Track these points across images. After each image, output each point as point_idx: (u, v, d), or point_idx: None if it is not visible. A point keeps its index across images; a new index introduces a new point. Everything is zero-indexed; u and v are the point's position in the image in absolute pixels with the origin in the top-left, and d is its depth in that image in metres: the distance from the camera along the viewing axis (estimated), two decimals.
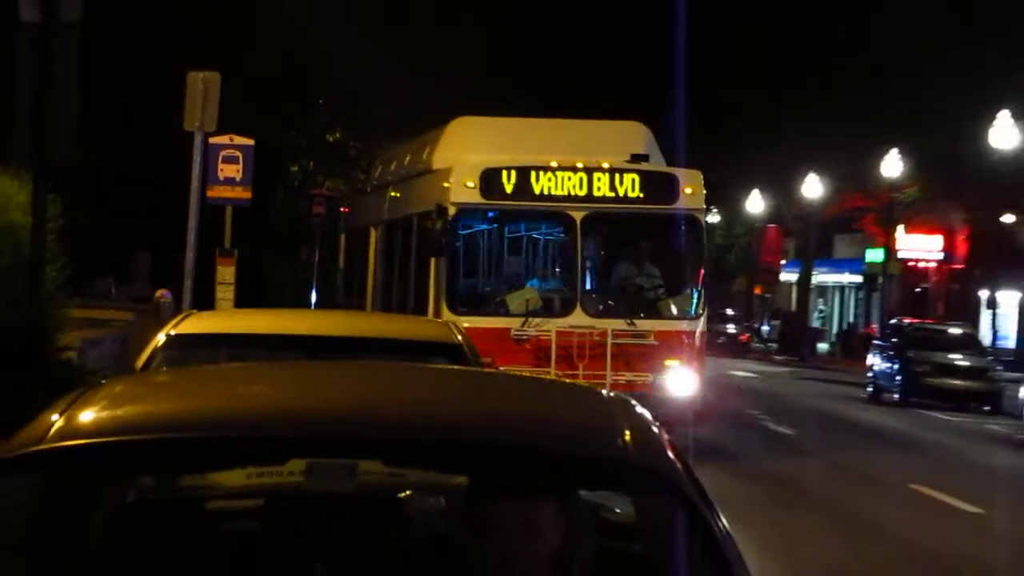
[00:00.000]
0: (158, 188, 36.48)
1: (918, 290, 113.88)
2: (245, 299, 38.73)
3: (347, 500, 6.53)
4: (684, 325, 33.41)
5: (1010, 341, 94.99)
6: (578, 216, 32.72)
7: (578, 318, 32.81)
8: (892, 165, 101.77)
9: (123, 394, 6.69)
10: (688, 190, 32.93)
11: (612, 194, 33.27)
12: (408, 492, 6.71)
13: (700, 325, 34.29)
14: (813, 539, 24.77)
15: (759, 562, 16.57)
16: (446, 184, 34.76)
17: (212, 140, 33.74)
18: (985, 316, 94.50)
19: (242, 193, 35.33)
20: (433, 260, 36.17)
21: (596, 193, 33.09)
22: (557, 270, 38.24)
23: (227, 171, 34.53)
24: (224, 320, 20.26)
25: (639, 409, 6.62)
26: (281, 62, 61.88)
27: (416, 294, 39.02)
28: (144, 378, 11.10)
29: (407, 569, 6.36)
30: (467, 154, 37.44)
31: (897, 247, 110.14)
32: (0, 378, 18.60)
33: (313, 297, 61.76)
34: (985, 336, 63.58)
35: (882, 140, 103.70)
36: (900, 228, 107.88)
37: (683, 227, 33.72)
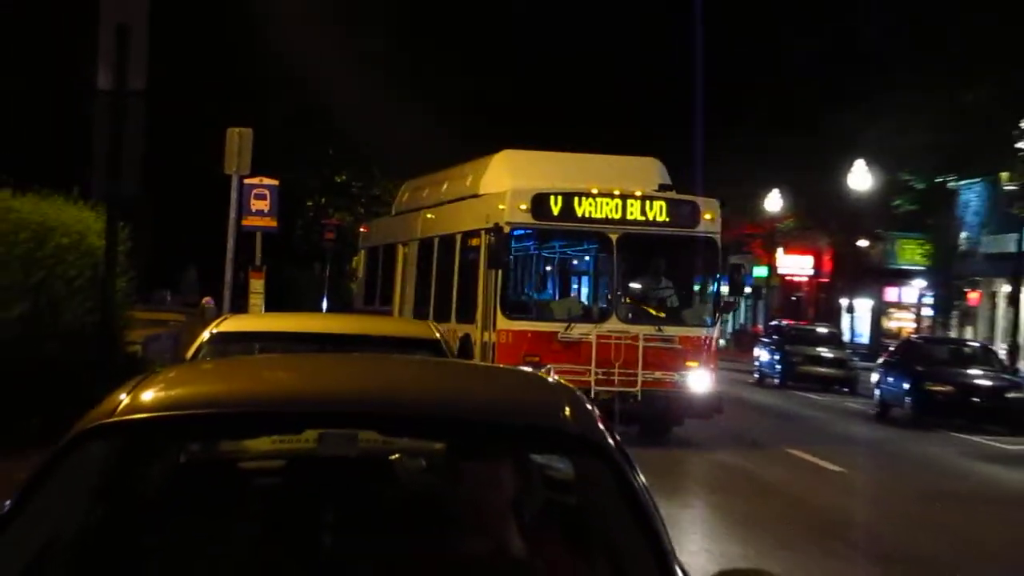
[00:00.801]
0: (204, 218, 36.57)
1: (793, 298, 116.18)
2: (271, 304, 38.81)
3: (350, 462, 6.54)
4: (703, 332, 33.03)
5: (864, 338, 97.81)
6: (614, 236, 32.02)
7: (614, 324, 31.94)
8: (774, 201, 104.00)
9: (175, 379, 6.80)
10: (707, 216, 32.44)
11: (643, 218, 32.64)
12: (397, 455, 6.71)
13: (716, 332, 34.24)
14: (709, 491, 24.57)
15: (665, 510, 16.69)
16: (501, 206, 33.48)
17: (246, 181, 33.99)
18: (845, 318, 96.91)
19: (269, 222, 36.10)
20: (482, 272, 34.99)
21: (629, 216, 32.46)
22: (595, 282, 37.07)
23: (257, 205, 35.35)
24: (255, 321, 20.26)
25: (577, 392, 6.70)
26: (300, 120, 62.45)
27: (462, 302, 37.75)
28: (192, 366, 11.11)
29: (396, 515, 6.42)
30: (513, 181, 36.20)
31: (777, 265, 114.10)
32: (80, 367, 18.53)
33: (324, 303, 63.28)
34: (845, 334, 64.47)
35: (767, 180, 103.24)
36: (780, 250, 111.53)
37: (702, 248, 33.15)
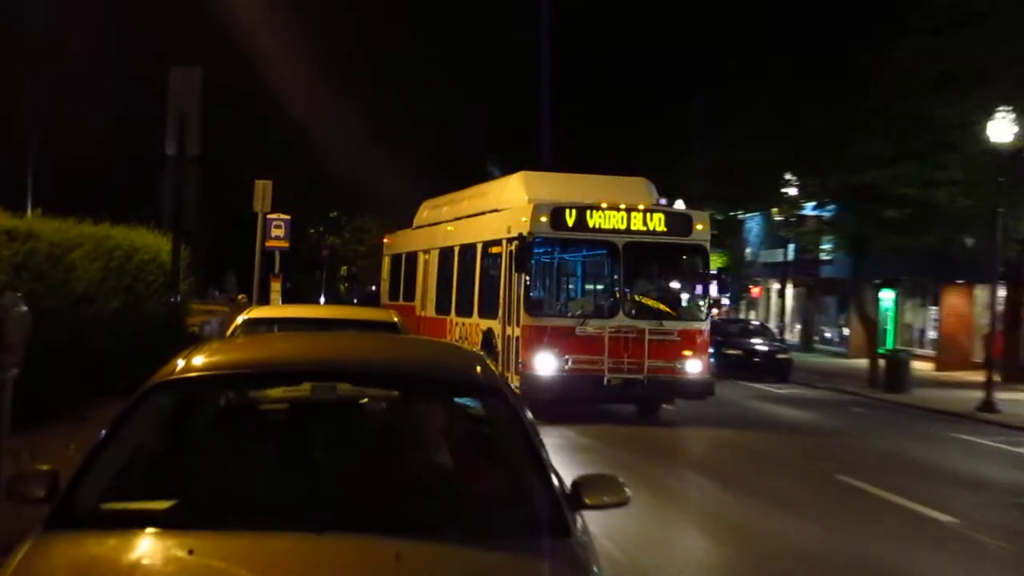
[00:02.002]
0: (239, 241, 36.50)
1: None
2: (285, 299, 38.02)
3: (332, 404, 6.63)
4: (698, 325, 28.49)
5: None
6: (620, 243, 27.42)
7: (621, 320, 27.28)
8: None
9: (215, 350, 7.03)
10: (699, 226, 28.34)
11: (644, 228, 27.97)
12: (366, 399, 6.79)
13: (707, 326, 29.33)
14: (652, 465, 21.32)
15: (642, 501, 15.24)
16: (524, 218, 28.53)
17: (268, 216, 33.81)
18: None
19: (284, 244, 35.83)
20: (504, 275, 29.31)
21: (633, 227, 27.85)
22: (605, 284, 31.26)
23: (276, 232, 35.35)
24: (273, 311, 20.15)
25: (485, 356, 6.93)
26: (306, 172, 60.77)
27: (484, 301, 31.41)
28: (227, 341, 11.17)
29: (364, 439, 6.59)
30: (530, 197, 30.69)
31: None
32: (157, 342, 18.44)
33: (322, 298, 65.62)
34: (776, 329, 62.71)
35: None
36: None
37: (694, 253, 28.98)
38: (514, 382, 24.81)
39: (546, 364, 25.98)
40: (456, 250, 32.44)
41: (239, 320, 15.74)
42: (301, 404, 6.65)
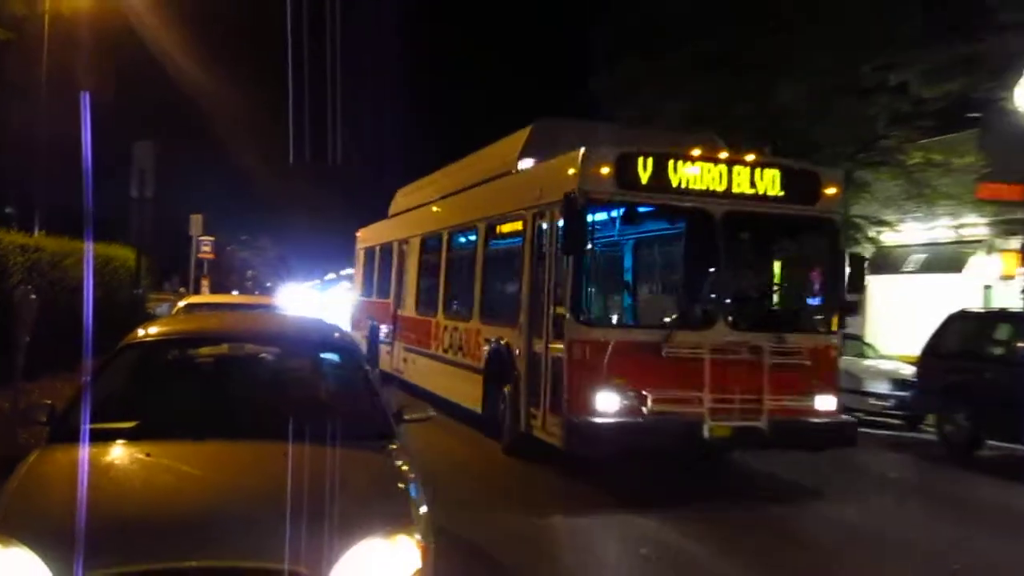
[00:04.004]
0: (182, 253, 34.99)
1: None
2: (212, 291, 36.82)
3: (243, 358, 6.53)
4: (828, 340, 11.25)
5: None
6: (718, 212, 10.80)
7: (723, 332, 10.54)
8: None
9: (167, 323, 7.26)
10: (829, 190, 11.44)
11: (752, 191, 11.16)
12: (263, 354, 6.68)
13: (839, 340, 11.81)
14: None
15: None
16: (572, 171, 10.65)
17: (200, 237, 32.64)
18: None
19: (211, 255, 34.18)
20: (528, 264, 11.93)
21: (736, 189, 11.03)
22: (694, 276, 11.85)
23: (205, 248, 33.36)
24: (203, 298, 19.70)
25: (342, 328, 6.79)
26: (229, 209, 57.67)
27: (491, 300, 13.69)
28: (173, 317, 11.01)
29: (263, 380, 6.39)
30: (555, 153, 12.15)
31: None
32: (123, 319, 17.87)
33: (234, 291, 53.84)
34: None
35: None
36: None
37: (823, 232, 11.46)
38: (549, 427, 10.77)
39: (610, 404, 10.50)
40: (445, 235, 16.04)
41: (181, 304, 15.62)
42: (222, 358, 6.53)
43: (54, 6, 19.36)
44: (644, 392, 9.81)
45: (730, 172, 10.75)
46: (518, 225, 12.15)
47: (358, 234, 23.45)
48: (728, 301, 10.79)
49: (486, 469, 11.35)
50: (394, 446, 5.20)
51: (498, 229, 13.24)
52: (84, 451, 4.70)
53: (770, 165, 10.99)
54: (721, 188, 10.69)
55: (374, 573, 4.00)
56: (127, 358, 5.90)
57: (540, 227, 11.42)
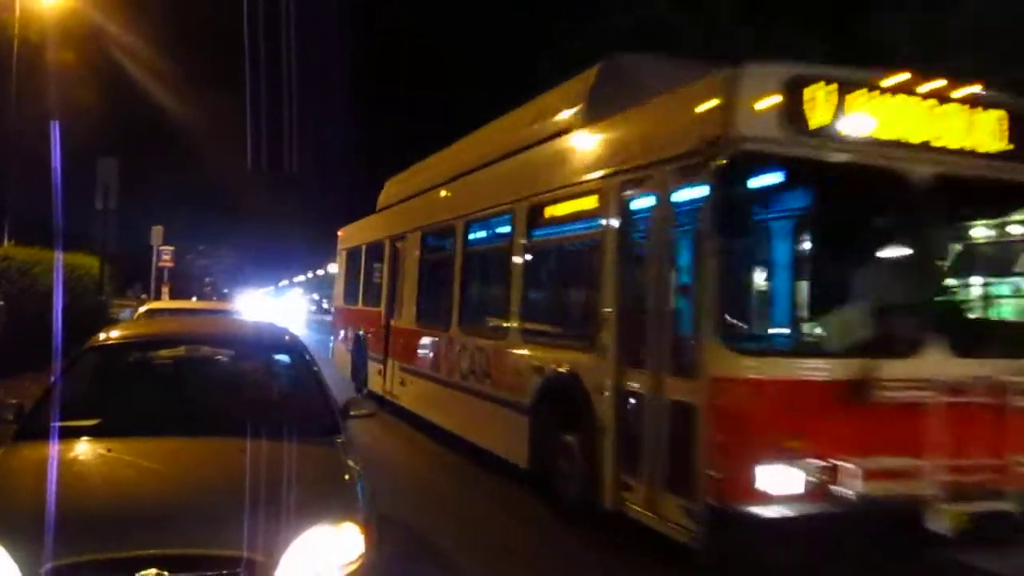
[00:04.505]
0: (144, 262, 34.14)
1: None
2: (172, 297, 35.94)
3: (200, 359, 6.38)
4: None
5: None
6: (922, 177, 4.84)
7: (944, 361, 4.84)
8: None
9: (128, 327, 7.02)
10: None
11: (969, 144, 4.99)
12: (219, 356, 6.54)
13: None
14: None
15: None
16: (713, 106, 5.02)
17: (160, 247, 31.93)
18: None
19: (170, 264, 33.10)
20: (611, 260, 6.61)
21: (951, 142, 4.93)
22: (897, 275, 5.25)
23: (165, 257, 32.40)
24: (163, 304, 19.22)
25: (291, 331, 6.61)
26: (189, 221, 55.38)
27: (545, 313, 8.15)
28: (134, 322, 10.74)
29: (218, 379, 6.24)
30: (637, 101, 6.54)
31: None
32: (89, 324, 17.48)
33: (193, 297, 52.45)
34: None
35: None
36: None
37: None
38: (663, 510, 5.99)
39: (783, 481, 5.05)
40: (461, 226, 10.32)
41: (142, 309, 15.23)
42: (180, 359, 6.37)
43: (23, 32, 18.88)
44: (838, 461, 5.27)
45: (942, 113, 5.76)
46: (588, 203, 7.30)
47: (340, 233, 18.10)
48: (950, 313, 6.15)
49: (544, 555, 6.69)
50: (341, 440, 5.19)
51: (549, 212, 8.23)
52: (53, 448, 4.61)
53: (996, 103, 5.95)
54: (928, 137, 5.74)
55: (322, 557, 4.01)
56: (91, 360, 5.80)
57: (631, 204, 6.65)
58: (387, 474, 8.59)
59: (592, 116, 7.78)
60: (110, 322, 17.79)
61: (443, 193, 11.61)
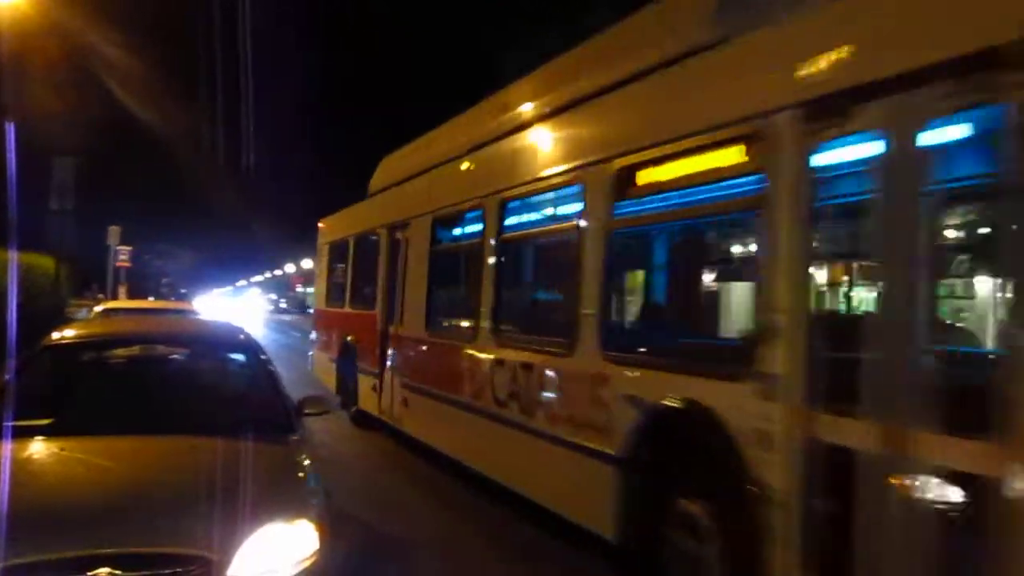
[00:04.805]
0: (100, 262, 33.44)
1: None
2: (129, 297, 35.31)
3: (155, 358, 6.33)
4: None
5: None
6: None
7: None
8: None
9: (83, 326, 6.95)
10: None
11: None
12: (174, 355, 6.48)
13: None
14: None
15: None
16: None
17: (117, 247, 31.36)
18: None
19: (127, 264, 32.44)
20: (787, 234, 3.74)
21: None
22: None
23: (122, 257, 31.71)
24: (120, 303, 18.95)
25: (247, 330, 6.55)
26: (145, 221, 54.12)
27: (670, 319, 5.71)
28: (89, 321, 10.65)
29: (173, 380, 6.14)
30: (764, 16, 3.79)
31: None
32: (44, 324, 17.18)
33: (150, 297, 48.82)
34: None
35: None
36: None
37: None
38: None
39: None
40: (494, 205, 7.54)
41: (98, 309, 15.10)
42: (134, 358, 6.29)
43: None
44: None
45: None
46: (730, 155, 4.76)
47: (321, 225, 15.51)
48: None
49: None
50: (295, 438, 5.16)
51: (654, 174, 5.45)
52: (6, 448, 4.53)
53: None
54: None
55: (276, 554, 3.99)
56: (45, 360, 5.71)
57: (822, 151, 4.16)
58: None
59: (717, 34, 5.04)
60: (66, 321, 17.56)
61: (466, 165, 8.68)
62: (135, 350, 6.34)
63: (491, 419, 7.34)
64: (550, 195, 7.04)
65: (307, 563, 4.04)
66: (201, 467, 4.25)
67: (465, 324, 8.29)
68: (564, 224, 6.63)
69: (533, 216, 7.65)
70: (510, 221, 7.60)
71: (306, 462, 4.83)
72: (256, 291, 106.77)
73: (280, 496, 4.31)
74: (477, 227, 8.12)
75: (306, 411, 5.57)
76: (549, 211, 7.28)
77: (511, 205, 7.58)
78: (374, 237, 11.79)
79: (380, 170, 12.99)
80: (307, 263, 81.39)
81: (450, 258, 9.27)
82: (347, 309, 13.12)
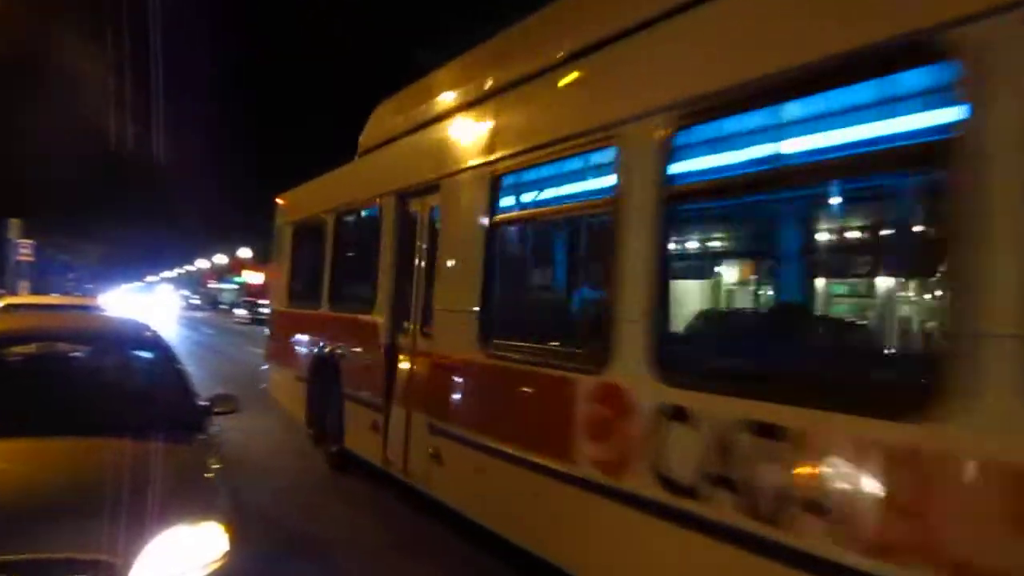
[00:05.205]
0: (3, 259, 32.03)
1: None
2: (32, 293, 33.99)
3: (55, 356, 6.10)
4: None
5: None
6: None
7: None
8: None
9: None
10: None
11: None
12: (76, 352, 6.26)
13: None
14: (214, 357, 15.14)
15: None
16: None
17: (18, 241, 30.16)
18: None
19: (31, 258, 31.03)
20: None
21: None
22: None
23: (24, 251, 30.39)
24: (23, 299, 18.34)
25: (154, 328, 6.35)
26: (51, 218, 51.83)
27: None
28: None
29: (75, 379, 5.88)
30: None
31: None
32: None
33: (54, 293, 48.96)
34: None
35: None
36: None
37: None
38: None
39: None
40: (660, 137, 3.90)
41: (0, 305, 14.51)
42: (34, 356, 6.00)
43: None
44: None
45: None
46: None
47: (280, 201, 11.99)
48: None
49: None
50: (203, 438, 5.02)
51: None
52: None
53: None
54: None
55: (182, 557, 3.86)
56: None
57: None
58: None
59: None
60: None
61: (575, 74, 5.26)
62: (34, 347, 6.10)
63: (650, 513, 4.14)
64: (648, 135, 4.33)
65: (215, 565, 3.92)
66: (104, 468, 4.08)
67: (578, 341, 5.15)
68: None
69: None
70: (682, 166, 4.25)
71: (213, 463, 4.69)
72: (168, 287, 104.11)
73: (186, 497, 4.17)
74: (605, 179, 4.83)
75: (216, 410, 5.42)
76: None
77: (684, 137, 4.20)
78: (371, 210, 8.55)
79: (375, 119, 9.56)
80: (220, 258, 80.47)
81: (532, 235, 6.17)
82: (325, 311, 9.64)
